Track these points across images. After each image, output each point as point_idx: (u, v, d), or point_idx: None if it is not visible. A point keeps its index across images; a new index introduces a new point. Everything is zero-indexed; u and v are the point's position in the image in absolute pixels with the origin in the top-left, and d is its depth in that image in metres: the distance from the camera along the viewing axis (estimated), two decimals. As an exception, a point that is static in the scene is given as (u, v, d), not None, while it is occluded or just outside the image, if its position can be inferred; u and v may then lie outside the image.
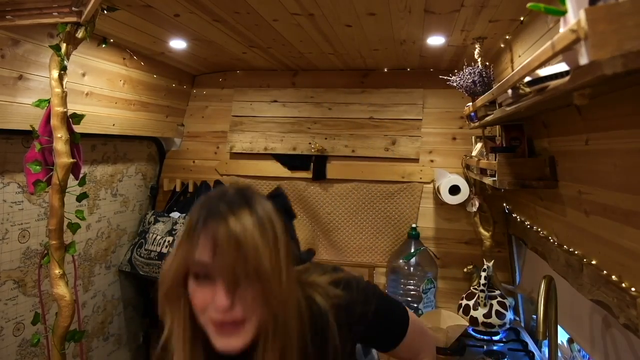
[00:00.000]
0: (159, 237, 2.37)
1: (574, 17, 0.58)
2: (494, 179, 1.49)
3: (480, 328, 1.94)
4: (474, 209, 2.25)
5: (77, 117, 1.42)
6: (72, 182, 1.36)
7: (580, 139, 1.14)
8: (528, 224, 1.82)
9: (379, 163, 2.51)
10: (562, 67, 0.84)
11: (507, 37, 1.67)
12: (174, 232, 2.37)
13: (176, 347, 0.80)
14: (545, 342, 1.66)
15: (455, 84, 1.77)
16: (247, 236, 0.73)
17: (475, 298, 1.98)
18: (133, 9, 1.52)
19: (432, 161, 2.47)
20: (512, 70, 1.24)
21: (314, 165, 2.54)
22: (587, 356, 1.41)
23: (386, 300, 0.99)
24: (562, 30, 0.64)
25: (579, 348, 1.48)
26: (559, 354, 1.55)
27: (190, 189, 2.66)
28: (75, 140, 1.37)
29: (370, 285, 0.97)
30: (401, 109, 2.49)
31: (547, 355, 1.54)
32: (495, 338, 1.95)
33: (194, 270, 0.75)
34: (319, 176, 2.53)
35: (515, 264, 2.23)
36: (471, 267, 2.30)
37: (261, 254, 0.73)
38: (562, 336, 1.58)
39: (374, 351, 1.25)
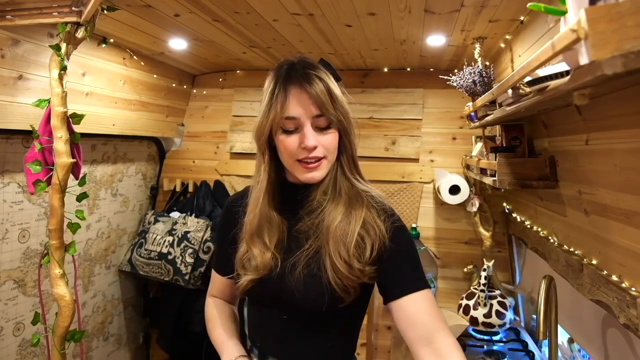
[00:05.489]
0: (159, 237, 2.37)
1: (574, 17, 0.58)
2: (494, 179, 1.49)
3: (480, 328, 1.94)
4: (474, 209, 2.25)
5: (77, 117, 1.42)
6: (72, 182, 1.36)
7: (580, 139, 1.14)
8: (528, 224, 1.82)
9: (379, 163, 2.51)
10: (562, 67, 0.84)
11: (507, 37, 1.67)
12: (174, 232, 2.36)
13: (255, 189, 1.03)
14: (545, 342, 1.66)
15: (455, 84, 1.77)
16: (333, 88, 0.96)
17: (475, 298, 1.98)
18: (133, 9, 1.52)
19: (432, 161, 2.47)
20: (512, 70, 1.24)
21: (314, 165, 2.54)
22: (587, 356, 1.41)
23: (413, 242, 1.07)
24: (562, 30, 0.64)
25: (579, 348, 1.48)
26: (559, 354, 1.55)
27: (190, 189, 2.66)
28: (75, 140, 1.37)
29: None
30: (401, 109, 2.49)
31: (547, 355, 1.54)
32: (495, 338, 1.95)
33: (285, 125, 0.96)
34: (319, 176, 2.53)
35: (515, 264, 2.23)
36: (471, 267, 2.30)
37: (344, 102, 0.98)
38: (562, 336, 1.57)
39: None
